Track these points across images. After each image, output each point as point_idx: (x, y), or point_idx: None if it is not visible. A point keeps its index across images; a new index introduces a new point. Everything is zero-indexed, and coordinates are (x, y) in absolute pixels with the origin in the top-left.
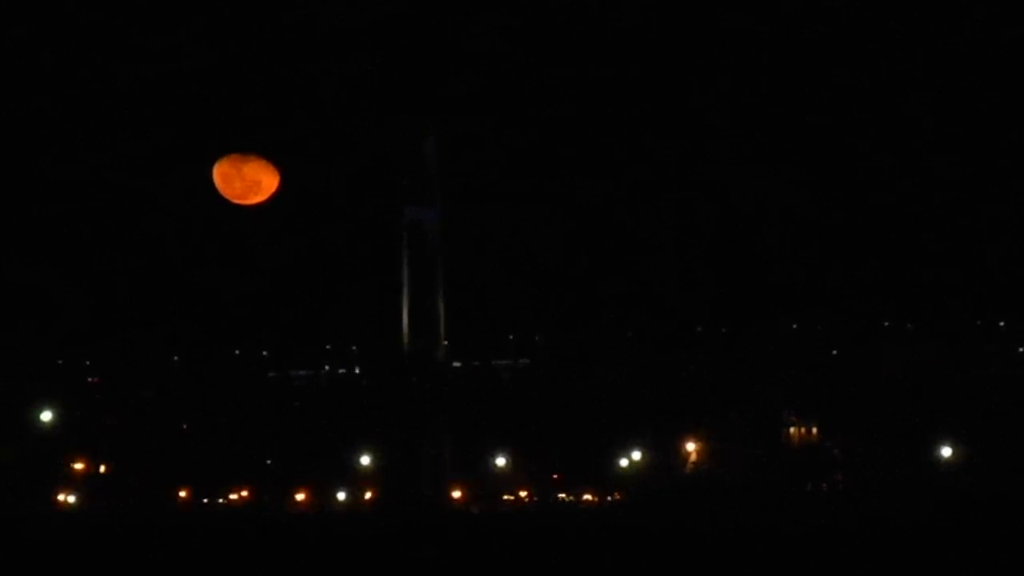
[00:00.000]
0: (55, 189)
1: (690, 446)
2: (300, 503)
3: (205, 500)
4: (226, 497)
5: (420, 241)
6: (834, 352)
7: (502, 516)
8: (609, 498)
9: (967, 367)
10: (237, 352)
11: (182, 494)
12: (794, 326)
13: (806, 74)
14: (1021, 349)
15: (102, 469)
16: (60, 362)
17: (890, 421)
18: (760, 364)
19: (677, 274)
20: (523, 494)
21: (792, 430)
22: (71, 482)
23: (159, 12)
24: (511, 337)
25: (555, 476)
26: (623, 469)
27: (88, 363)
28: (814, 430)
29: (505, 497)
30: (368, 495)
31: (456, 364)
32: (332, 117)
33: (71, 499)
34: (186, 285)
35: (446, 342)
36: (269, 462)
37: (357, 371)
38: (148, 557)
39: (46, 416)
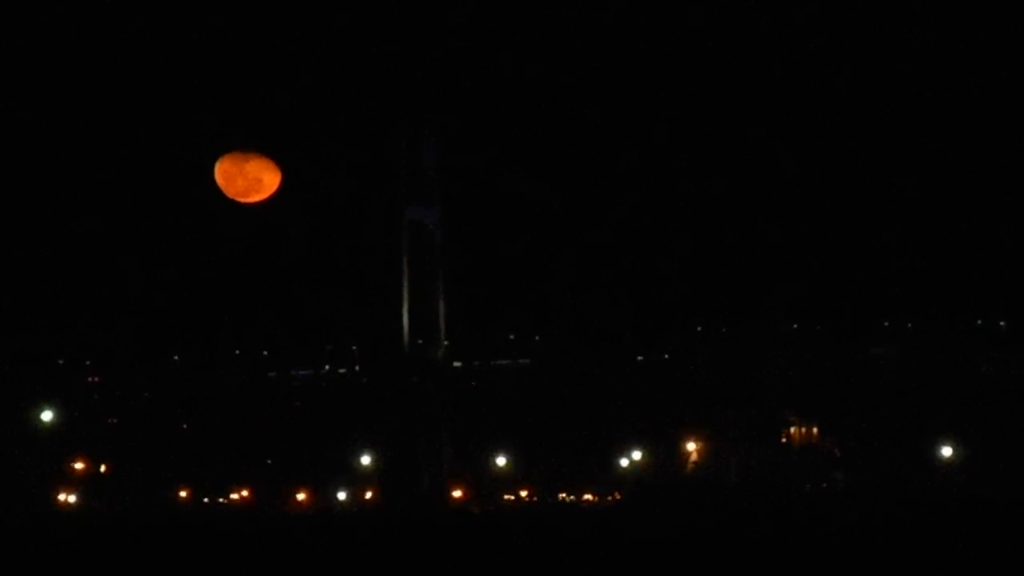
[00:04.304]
0: (55, 188)
1: (690, 446)
2: (300, 503)
3: (205, 500)
4: (226, 497)
5: (420, 241)
6: (834, 352)
7: (502, 516)
8: (609, 498)
9: (967, 367)
10: (237, 352)
11: (182, 494)
12: (794, 326)
13: (805, 74)
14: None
15: (102, 469)
16: (60, 362)
17: (890, 421)
18: (760, 364)
19: (677, 274)
20: (523, 494)
21: (792, 430)
22: (71, 482)
23: (162, 11)
24: (511, 337)
25: (557, 477)
26: (623, 469)
27: (88, 363)
28: (814, 430)
29: (505, 497)
30: (368, 495)
31: (456, 364)
32: (333, 116)
33: (71, 499)
34: (186, 284)
35: (446, 342)
36: (269, 462)
37: (357, 371)
38: (148, 557)
39: (46, 416)
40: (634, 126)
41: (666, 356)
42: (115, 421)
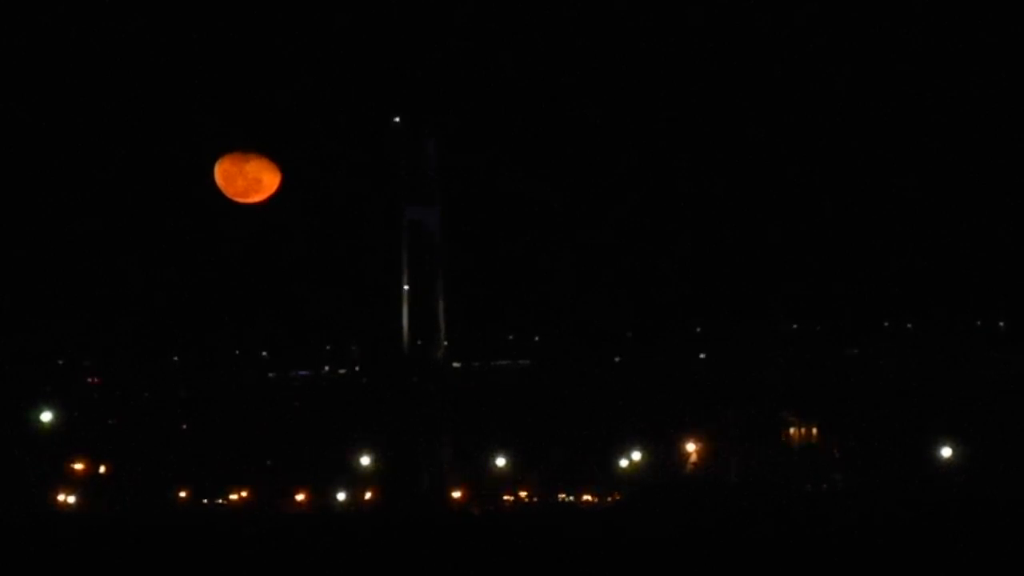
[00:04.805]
0: (55, 188)
1: (690, 446)
2: (300, 503)
3: (205, 500)
4: (226, 497)
5: (420, 241)
6: (834, 352)
7: (502, 516)
8: (609, 498)
9: (967, 367)
10: (237, 352)
11: (182, 494)
12: (794, 326)
13: (805, 74)
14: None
15: (102, 469)
16: (60, 362)
17: (890, 421)
18: (760, 364)
19: (677, 274)
20: (523, 494)
21: (792, 430)
22: (71, 482)
23: (162, 11)
24: (511, 337)
25: (557, 477)
26: (623, 469)
27: (88, 364)
28: (814, 430)
29: (505, 497)
30: (368, 495)
31: (456, 364)
32: (333, 116)
33: (71, 499)
34: (186, 284)
35: (446, 342)
36: (269, 462)
37: (357, 371)
38: (148, 558)
39: (46, 416)
40: (634, 126)
41: (666, 356)
42: (115, 422)
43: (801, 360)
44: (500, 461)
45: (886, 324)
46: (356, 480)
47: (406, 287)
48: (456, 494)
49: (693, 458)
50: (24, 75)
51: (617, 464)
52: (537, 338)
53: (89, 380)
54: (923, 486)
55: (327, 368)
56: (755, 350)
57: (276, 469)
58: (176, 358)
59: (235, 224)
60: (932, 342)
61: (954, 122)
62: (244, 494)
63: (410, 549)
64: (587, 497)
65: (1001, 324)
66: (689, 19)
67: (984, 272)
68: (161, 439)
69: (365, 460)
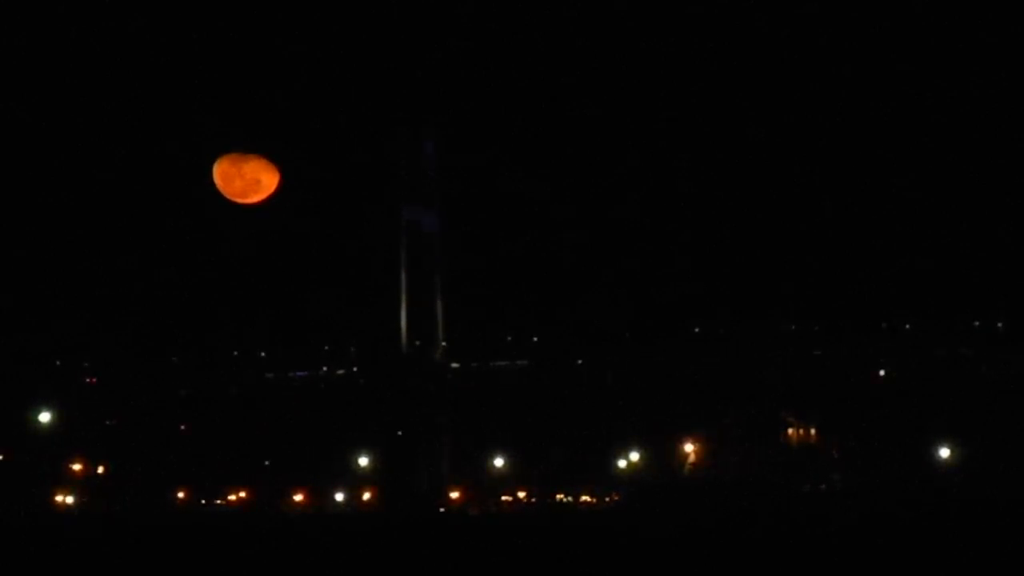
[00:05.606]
0: (55, 189)
1: (688, 447)
2: (298, 503)
3: (204, 501)
4: (224, 498)
5: (419, 242)
6: (833, 352)
7: (500, 516)
8: (607, 499)
9: (966, 367)
10: (235, 353)
11: (181, 495)
12: (794, 326)
13: (805, 74)
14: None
15: (100, 470)
16: (59, 362)
17: (889, 421)
18: (760, 364)
19: (676, 275)
20: (521, 494)
21: (791, 431)
22: (69, 483)
23: (162, 11)
24: (510, 338)
25: (556, 478)
26: (621, 470)
27: (86, 364)
28: (813, 431)
29: (504, 497)
30: (367, 495)
31: (455, 365)
32: (333, 116)
33: (69, 500)
34: (186, 284)
35: (444, 343)
36: (268, 462)
37: (355, 372)
38: (147, 557)
39: (45, 416)
40: (634, 126)
41: (666, 356)
42: (113, 422)
43: (801, 360)
44: (499, 461)
45: (885, 324)
46: (355, 480)
47: (404, 288)
48: (455, 494)
49: (692, 458)
50: (24, 75)
51: (616, 465)
52: (536, 338)
53: (87, 380)
54: (922, 486)
55: (326, 368)
56: (755, 350)
57: (275, 469)
58: (175, 358)
59: (234, 224)
60: (932, 342)
61: (954, 122)
62: (243, 494)
63: (409, 549)
64: (586, 498)
65: (1000, 324)
66: (689, 19)
67: (984, 272)
68: (159, 439)
69: (364, 460)
